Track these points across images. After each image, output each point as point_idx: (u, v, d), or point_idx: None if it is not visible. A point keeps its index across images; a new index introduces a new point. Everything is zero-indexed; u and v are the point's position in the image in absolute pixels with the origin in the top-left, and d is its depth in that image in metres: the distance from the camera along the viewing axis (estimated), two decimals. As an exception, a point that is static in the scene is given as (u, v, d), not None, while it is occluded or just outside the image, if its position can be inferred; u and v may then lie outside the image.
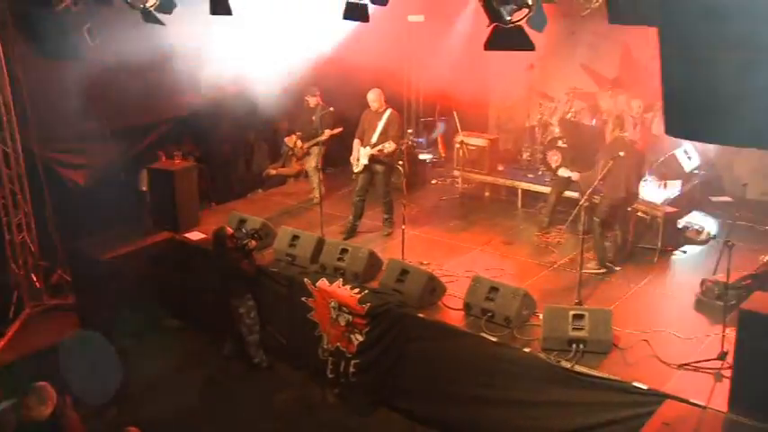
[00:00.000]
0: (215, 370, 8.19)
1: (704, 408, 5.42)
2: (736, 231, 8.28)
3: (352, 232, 9.03)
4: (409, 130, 8.59)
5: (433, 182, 11.13)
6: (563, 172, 8.61)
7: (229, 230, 7.99)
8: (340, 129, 9.81)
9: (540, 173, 9.94)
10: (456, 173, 10.59)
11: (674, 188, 9.17)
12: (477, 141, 10.20)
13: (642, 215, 8.56)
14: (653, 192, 8.74)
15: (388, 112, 8.71)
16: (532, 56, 10.23)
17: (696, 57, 3.76)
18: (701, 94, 3.87)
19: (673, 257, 8.30)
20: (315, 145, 9.90)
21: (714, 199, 9.62)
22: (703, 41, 3.73)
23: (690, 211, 9.11)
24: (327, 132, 9.75)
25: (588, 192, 7.21)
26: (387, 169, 8.81)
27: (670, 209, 8.50)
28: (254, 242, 8.05)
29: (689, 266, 8.05)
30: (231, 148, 12.02)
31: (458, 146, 10.38)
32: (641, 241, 8.49)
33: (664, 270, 8.02)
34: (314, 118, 9.81)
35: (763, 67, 3.62)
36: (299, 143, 10.06)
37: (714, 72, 3.77)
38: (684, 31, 3.76)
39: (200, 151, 11.18)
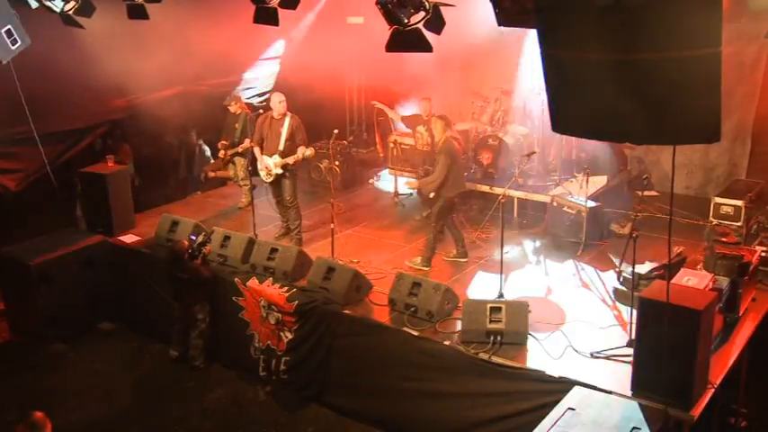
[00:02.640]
0: (148, 372, 8.22)
1: (609, 392, 5.65)
2: (658, 224, 8.62)
3: (287, 232, 9.12)
4: (335, 131, 8.63)
5: (370, 181, 11.28)
6: (405, 184, 8.76)
7: (185, 243, 8.02)
8: (244, 147, 9.76)
9: (472, 171, 10.15)
10: (392, 172, 10.74)
11: (598, 183, 9.48)
12: (410, 141, 10.35)
13: (567, 210, 8.82)
14: (578, 187, 9.02)
15: (289, 117, 8.62)
16: (463, 56, 10.48)
17: (572, 57, 3.97)
18: (579, 92, 4.08)
19: (596, 251, 8.56)
20: (236, 155, 9.97)
21: (641, 193, 9.93)
22: (578, 42, 3.93)
23: (615, 206, 9.40)
24: (247, 143, 9.70)
25: (506, 188, 7.42)
26: (293, 176, 8.81)
27: (593, 203, 8.76)
28: (208, 248, 8.13)
29: (611, 259, 8.32)
30: (172, 150, 12.01)
31: (392, 145, 10.55)
32: (567, 235, 8.76)
33: (587, 263, 8.28)
34: (236, 126, 9.87)
35: (637, 67, 3.84)
36: (222, 151, 10.09)
37: (590, 71, 3.99)
38: (560, 33, 3.96)
39: (133, 158, 11.12)
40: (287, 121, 8.61)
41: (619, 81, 3.82)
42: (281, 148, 8.60)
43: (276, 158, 8.60)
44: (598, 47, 3.89)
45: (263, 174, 8.79)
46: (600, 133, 4.13)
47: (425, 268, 8.06)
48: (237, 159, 10.05)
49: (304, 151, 8.59)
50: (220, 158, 10.30)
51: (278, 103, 8.59)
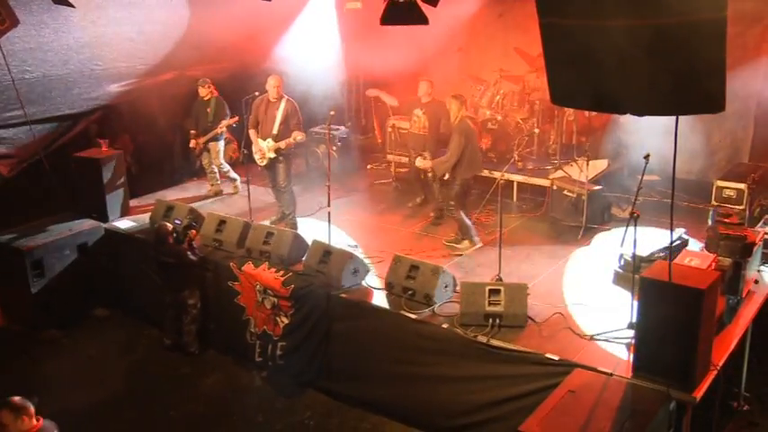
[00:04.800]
0: (143, 358, 8.13)
1: (610, 375, 5.56)
2: (659, 208, 8.51)
3: (283, 217, 9.00)
4: (331, 112, 8.47)
5: (369, 167, 11.17)
6: (419, 162, 8.63)
7: (169, 226, 7.92)
8: (236, 118, 9.59)
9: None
10: (390, 157, 10.63)
11: (599, 167, 9.36)
12: (408, 125, 10.21)
13: (567, 193, 8.71)
14: (578, 170, 8.90)
15: (284, 101, 8.49)
16: (461, 39, 10.35)
17: (572, 25, 3.85)
18: (581, 62, 3.97)
19: (597, 234, 8.44)
20: (211, 140, 9.80)
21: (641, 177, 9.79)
22: (578, 10, 3.82)
23: (616, 190, 9.27)
24: (223, 124, 9.64)
25: (504, 170, 7.31)
26: (287, 161, 8.68)
27: (594, 187, 8.65)
28: (194, 232, 8.02)
29: (611, 242, 8.21)
30: (168, 136, 11.86)
31: (390, 129, 10.44)
32: (567, 219, 8.65)
33: (587, 246, 8.16)
34: (208, 110, 9.69)
35: (639, 34, 3.72)
36: (193, 141, 9.86)
37: (590, 39, 3.87)
38: (560, 0, 3.85)
39: (134, 143, 11.01)
40: (282, 104, 8.47)
41: (620, 49, 3.72)
42: (274, 131, 8.47)
43: (270, 142, 8.48)
44: (598, 14, 3.78)
45: (257, 157, 8.65)
46: (600, 105, 4.02)
47: (476, 246, 7.93)
48: (212, 145, 9.86)
49: (296, 136, 8.44)
50: (191, 149, 10.06)
51: (273, 86, 8.45)
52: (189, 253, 7.86)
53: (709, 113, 3.69)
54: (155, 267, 8.08)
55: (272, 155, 8.53)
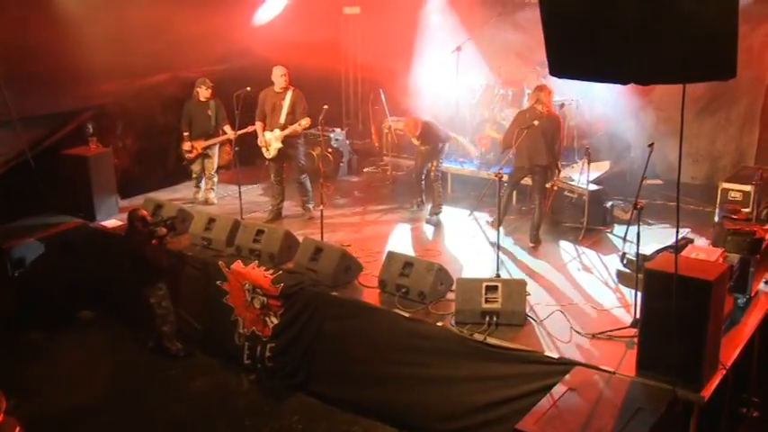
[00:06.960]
0: (128, 361, 7.84)
1: (613, 373, 5.27)
2: (663, 211, 8.27)
3: (276, 216, 8.79)
4: (325, 106, 8.22)
5: (366, 170, 10.95)
6: (490, 131, 8.47)
7: (143, 212, 7.65)
8: (253, 127, 8.96)
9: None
10: (386, 159, 10.41)
11: (601, 168, 9.13)
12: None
13: (568, 194, 8.48)
14: (579, 171, 8.66)
15: (291, 91, 8.41)
16: (460, 39, 10.16)
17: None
18: (582, 27, 3.73)
19: (599, 235, 8.18)
20: (215, 144, 9.45)
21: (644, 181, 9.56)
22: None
23: (618, 193, 9.02)
24: (228, 129, 9.17)
25: (501, 167, 7.10)
26: (296, 150, 8.63)
27: (595, 187, 8.40)
28: (163, 229, 7.66)
29: (613, 243, 7.95)
30: (162, 138, 11.64)
31: (386, 131, 10.23)
32: (568, 220, 8.41)
33: (589, 247, 7.90)
34: (209, 113, 9.32)
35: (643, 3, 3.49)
36: (189, 144, 9.38)
37: (594, 10, 3.64)
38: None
39: (133, 143, 10.78)
40: (289, 94, 8.39)
41: (625, 11, 3.48)
42: (281, 121, 8.39)
43: (277, 132, 8.39)
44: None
45: (263, 150, 8.54)
46: (602, 74, 3.76)
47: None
48: (212, 150, 9.47)
49: (301, 121, 8.35)
50: (189, 158, 9.53)
51: (279, 76, 8.36)
52: (150, 248, 7.45)
53: (720, 80, 3.44)
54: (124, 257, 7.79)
55: (279, 144, 8.42)
